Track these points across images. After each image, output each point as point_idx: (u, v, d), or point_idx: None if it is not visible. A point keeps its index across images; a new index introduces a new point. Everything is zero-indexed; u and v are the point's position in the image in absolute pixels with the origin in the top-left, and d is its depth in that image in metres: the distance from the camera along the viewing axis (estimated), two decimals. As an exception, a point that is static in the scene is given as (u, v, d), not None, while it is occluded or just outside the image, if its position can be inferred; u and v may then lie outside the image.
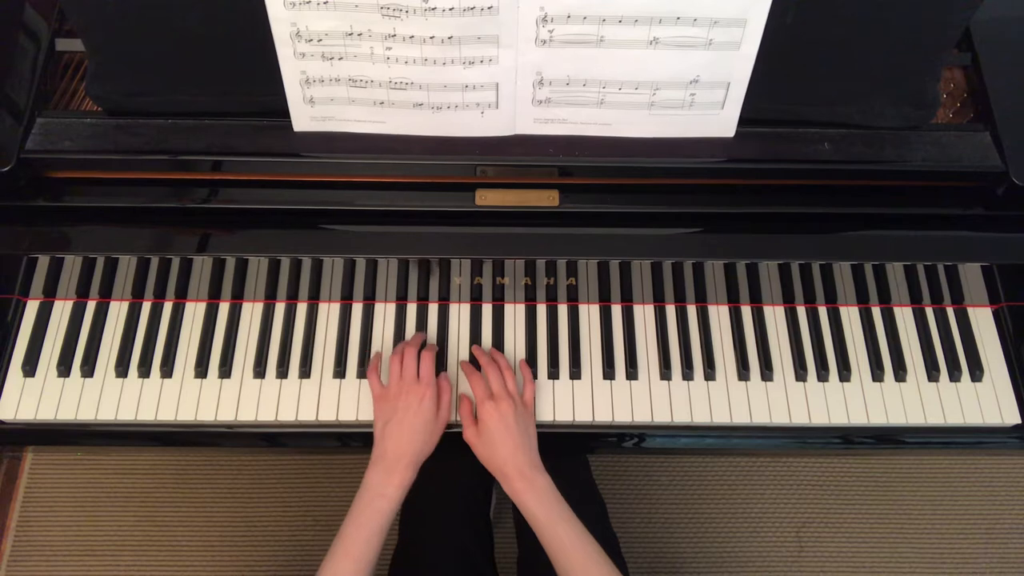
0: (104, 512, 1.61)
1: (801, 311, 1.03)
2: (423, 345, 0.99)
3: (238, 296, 1.02)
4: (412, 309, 1.03)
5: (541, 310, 1.03)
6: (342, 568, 0.84)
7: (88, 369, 0.98)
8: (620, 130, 0.89)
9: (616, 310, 1.03)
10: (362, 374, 0.99)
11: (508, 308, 1.04)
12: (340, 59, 0.82)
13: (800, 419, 0.98)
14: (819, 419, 0.98)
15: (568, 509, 0.88)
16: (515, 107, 0.86)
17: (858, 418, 0.97)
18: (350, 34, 0.80)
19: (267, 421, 0.97)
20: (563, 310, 1.03)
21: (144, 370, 0.99)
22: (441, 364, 1.00)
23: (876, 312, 1.03)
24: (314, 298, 1.03)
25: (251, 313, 1.02)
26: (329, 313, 1.02)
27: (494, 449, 0.90)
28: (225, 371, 0.99)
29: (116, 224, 0.93)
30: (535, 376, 0.99)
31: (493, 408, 0.91)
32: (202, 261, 1.00)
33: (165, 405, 0.97)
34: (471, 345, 1.01)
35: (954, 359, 1.00)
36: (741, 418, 0.97)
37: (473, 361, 1.00)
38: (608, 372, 0.99)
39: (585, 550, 0.85)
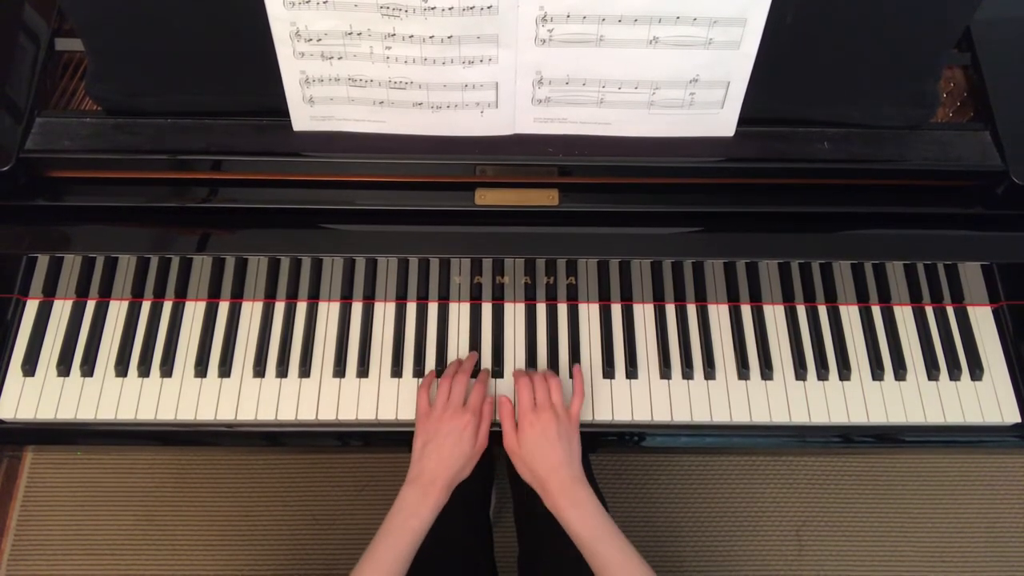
0: (104, 512, 1.61)
1: (801, 310, 1.03)
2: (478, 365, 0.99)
3: (238, 295, 1.02)
4: (412, 308, 1.03)
5: (541, 309, 1.03)
6: None
7: (88, 368, 0.98)
8: (620, 129, 0.89)
9: (616, 309, 1.03)
10: (362, 373, 0.99)
11: (508, 307, 1.04)
12: (339, 58, 0.82)
13: (800, 418, 0.97)
14: (819, 418, 0.98)
15: (612, 524, 0.86)
16: (515, 106, 0.86)
17: (858, 417, 0.97)
18: (349, 33, 0.80)
19: (267, 420, 0.97)
20: (563, 309, 1.03)
21: (144, 369, 0.99)
22: (441, 364, 1.00)
23: (876, 311, 1.03)
24: (314, 297, 1.03)
25: (251, 312, 1.02)
26: (329, 312, 1.02)
27: (535, 463, 0.89)
28: (225, 370, 0.99)
29: (116, 224, 0.93)
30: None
31: (535, 419, 0.90)
32: (202, 260, 1.00)
33: (165, 404, 0.97)
34: (471, 345, 1.01)
35: (954, 358, 1.00)
36: (741, 417, 0.97)
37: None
38: (608, 371, 0.99)
39: (632, 567, 0.84)
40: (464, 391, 0.94)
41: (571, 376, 0.98)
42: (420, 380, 0.99)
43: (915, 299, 1.04)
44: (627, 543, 0.86)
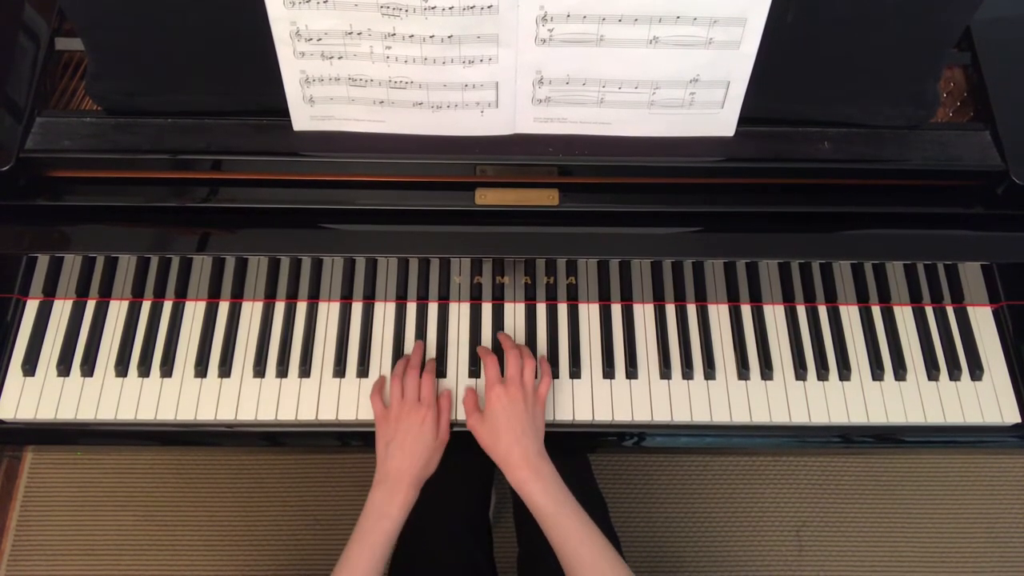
0: (104, 512, 1.61)
1: (801, 310, 1.03)
2: (424, 360, 0.99)
3: (238, 295, 1.02)
4: (412, 308, 1.03)
5: (541, 309, 1.03)
6: None
7: (88, 368, 0.98)
8: (620, 129, 0.89)
9: (616, 309, 1.03)
10: (362, 373, 0.99)
11: (508, 307, 1.04)
12: (340, 58, 0.82)
13: (800, 418, 0.97)
14: (819, 418, 0.97)
15: (573, 500, 0.87)
16: (515, 106, 0.86)
17: (858, 417, 0.97)
18: (350, 33, 0.80)
19: (267, 420, 0.97)
20: (563, 309, 1.03)
21: (144, 369, 0.98)
22: (441, 363, 1.00)
23: (876, 311, 1.03)
24: (314, 297, 1.03)
25: (251, 312, 1.02)
26: (329, 312, 1.02)
27: (498, 436, 0.88)
28: (225, 370, 0.99)
29: (116, 223, 0.93)
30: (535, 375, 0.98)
31: (502, 392, 0.90)
32: (202, 260, 1.00)
33: (165, 404, 0.97)
34: (471, 345, 1.01)
35: (954, 358, 1.00)
36: (741, 417, 0.97)
37: (496, 348, 1.00)
38: (608, 371, 0.99)
39: (593, 541, 0.83)
40: (416, 386, 0.94)
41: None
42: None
43: (915, 299, 1.04)
44: (589, 519, 0.86)
